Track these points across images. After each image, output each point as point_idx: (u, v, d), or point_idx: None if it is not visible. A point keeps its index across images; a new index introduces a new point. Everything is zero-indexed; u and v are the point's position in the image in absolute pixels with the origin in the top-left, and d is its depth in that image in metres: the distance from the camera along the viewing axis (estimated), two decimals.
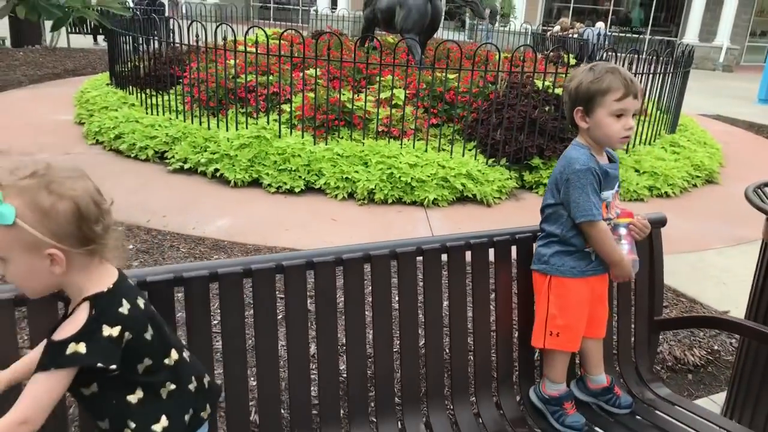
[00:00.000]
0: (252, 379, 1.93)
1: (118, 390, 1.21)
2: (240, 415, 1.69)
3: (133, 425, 1.21)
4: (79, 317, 1.14)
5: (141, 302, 1.24)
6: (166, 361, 1.26)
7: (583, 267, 1.90)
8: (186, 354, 1.34)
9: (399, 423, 1.88)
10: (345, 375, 1.83)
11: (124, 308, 1.19)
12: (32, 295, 1.20)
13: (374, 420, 1.87)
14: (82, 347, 1.12)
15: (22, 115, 7.27)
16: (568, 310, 1.90)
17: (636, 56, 6.54)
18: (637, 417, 1.95)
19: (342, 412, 1.82)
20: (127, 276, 1.28)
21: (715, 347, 3.12)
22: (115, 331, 1.15)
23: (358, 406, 1.83)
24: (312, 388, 1.79)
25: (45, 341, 1.16)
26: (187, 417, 1.29)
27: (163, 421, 1.24)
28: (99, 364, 1.13)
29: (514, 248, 2.01)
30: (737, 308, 3.34)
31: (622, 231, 1.90)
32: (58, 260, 1.13)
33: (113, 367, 1.14)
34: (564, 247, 1.90)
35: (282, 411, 1.80)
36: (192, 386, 1.31)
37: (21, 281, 1.16)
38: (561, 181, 1.85)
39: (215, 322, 1.66)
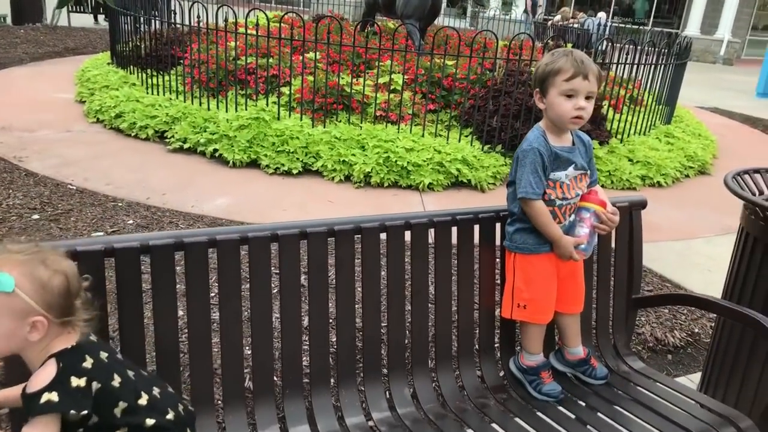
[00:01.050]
0: (247, 348, 2.03)
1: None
2: (234, 381, 1.78)
3: None
4: (48, 371, 1.27)
5: (104, 355, 1.36)
6: (140, 401, 1.37)
7: (543, 243, 1.98)
8: (157, 390, 1.43)
9: (386, 391, 1.98)
10: (335, 343, 1.92)
11: (88, 363, 1.31)
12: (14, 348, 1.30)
13: (362, 388, 1.97)
14: (54, 396, 1.24)
15: (24, 93, 7.31)
16: (533, 284, 1.99)
17: (633, 47, 6.59)
18: (613, 388, 2.05)
19: (332, 380, 1.92)
20: (89, 334, 1.38)
21: (696, 330, 3.22)
22: (83, 381, 1.27)
23: (347, 373, 1.93)
24: (303, 357, 1.88)
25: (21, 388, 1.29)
26: None
27: None
28: (72, 411, 1.25)
29: (498, 225, 2.10)
30: (720, 294, 3.44)
31: (584, 214, 1.98)
32: (40, 328, 1.25)
33: (85, 412, 1.26)
34: (523, 224, 2.00)
35: (275, 378, 1.89)
36: (170, 416, 1.42)
37: (5, 342, 1.27)
38: (514, 160, 1.98)
39: (213, 294, 1.75)
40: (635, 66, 6.51)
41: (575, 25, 14.88)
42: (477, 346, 2.15)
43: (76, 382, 1.27)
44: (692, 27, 21.94)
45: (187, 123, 5.66)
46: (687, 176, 6.33)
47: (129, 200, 4.38)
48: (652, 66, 6.78)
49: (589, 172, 2.01)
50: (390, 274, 1.95)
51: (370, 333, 1.94)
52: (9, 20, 13.08)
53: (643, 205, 2.26)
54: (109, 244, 1.57)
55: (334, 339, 1.91)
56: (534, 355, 2.05)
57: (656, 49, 6.83)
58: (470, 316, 2.10)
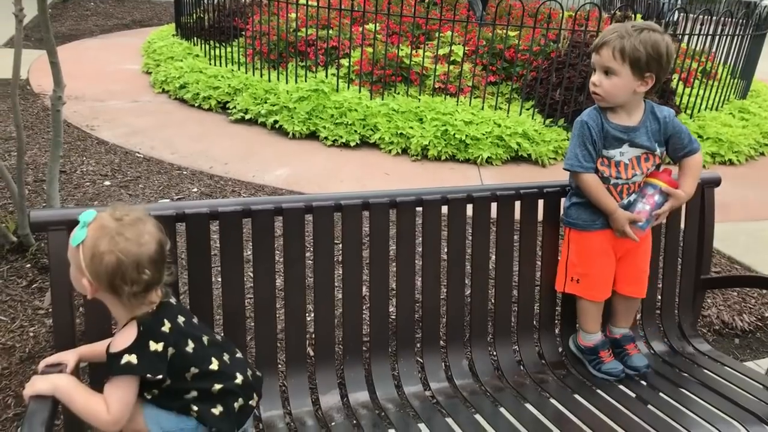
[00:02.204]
0: (309, 314, 2.08)
1: (176, 394, 1.41)
2: (297, 346, 1.83)
3: (195, 408, 1.42)
4: (129, 333, 1.34)
5: (181, 320, 1.42)
6: (212, 366, 1.43)
7: (595, 219, 1.93)
8: (227, 356, 1.49)
9: (444, 362, 2.00)
10: (394, 313, 1.95)
11: (166, 327, 1.37)
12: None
13: (420, 358, 1.99)
14: (134, 358, 1.31)
15: (94, 64, 7.58)
16: (587, 259, 1.95)
17: (708, 17, 6.25)
18: (676, 369, 2.01)
19: (390, 349, 1.95)
20: (170, 294, 1.45)
21: (766, 314, 3.09)
22: (160, 346, 1.34)
23: (405, 343, 1.95)
24: (363, 325, 1.91)
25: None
26: (236, 404, 1.46)
27: (219, 407, 1.43)
28: (148, 375, 1.33)
29: (563, 200, 2.06)
30: None
31: (648, 190, 1.90)
32: (90, 289, 1.33)
33: (160, 377, 1.34)
34: (578, 199, 1.95)
35: (336, 345, 1.94)
36: (238, 380, 1.47)
37: (72, 281, 1.38)
38: None
39: (278, 260, 1.80)
40: (709, 37, 6.18)
41: None
42: (536, 322, 2.13)
43: (154, 346, 1.34)
44: None
45: (248, 94, 5.75)
46: (762, 154, 6.01)
47: (193, 169, 4.51)
48: (728, 37, 6.42)
49: (659, 151, 1.91)
50: (450, 246, 1.95)
51: (429, 304, 1.95)
52: None
53: (716, 182, 2.17)
54: (180, 209, 1.63)
55: (393, 309, 1.94)
56: (591, 335, 2.02)
57: (733, 20, 6.45)
58: (531, 292, 2.08)
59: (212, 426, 1.43)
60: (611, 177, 1.89)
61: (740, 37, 6.65)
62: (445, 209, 1.91)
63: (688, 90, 6.13)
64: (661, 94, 5.81)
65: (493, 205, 1.98)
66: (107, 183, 4.08)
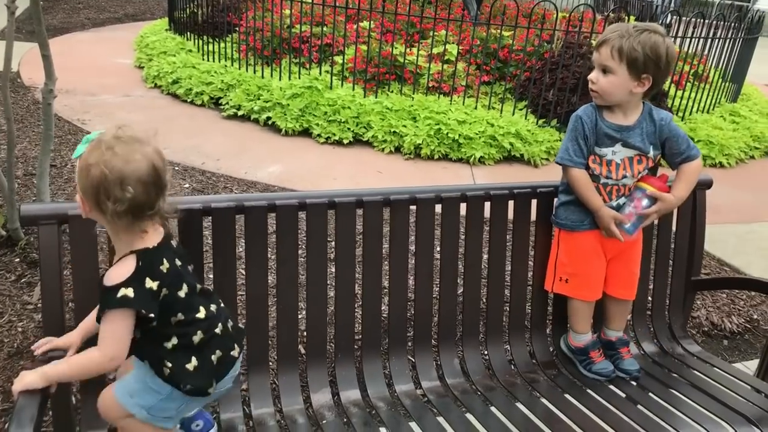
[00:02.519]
0: (300, 312, 2.07)
1: (156, 338, 1.38)
2: (288, 344, 1.82)
3: (169, 365, 1.39)
4: (127, 266, 1.31)
5: (178, 263, 1.40)
6: (198, 315, 1.42)
7: (584, 219, 1.94)
8: (213, 307, 1.47)
9: (435, 361, 2.00)
10: (387, 312, 1.94)
11: (164, 267, 1.35)
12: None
13: (412, 357, 1.99)
14: (130, 292, 1.29)
15: (86, 58, 7.52)
16: (576, 259, 1.96)
17: (701, 20, 6.29)
18: (666, 369, 2.02)
19: (382, 347, 1.95)
20: (172, 237, 1.44)
21: (755, 316, 3.12)
22: (155, 285, 1.32)
23: (397, 341, 1.95)
24: (355, 324, 1.91)
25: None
26: (214, 357, 1.44)
27: (194, 361, 1.41)
28: (142, 311, 1.30)
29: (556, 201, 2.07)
30: None
31: (637, 194, 1.90)
32: (83, 205, 1.32)
33: (152, 315, 1.31)
34: (567, 197, 1.96)
35: (328, 343, 1.93)
36: (218, 330, 1.46)
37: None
38: None
39: (270, 257, 1.79)
40: (701, 40, 6.22)
41: None
42: (528, 322, 2.14)
43: (150, 284, 1.31)
44: (764, 0, 20.73)
45: (241, 90, 5.73)
46: (752, 157, 6.06)
47: (184, 164, 4.48)
48: (719, 40, 6.46)
49: (652, 154, 1.90)
50: (444, 245, 1.95)
51: (422, 303, 1.95)
52: None
53: (708, 184, 2.19)
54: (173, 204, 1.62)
55: (386, 308, 1.93)
56: (581, 335, 2.03)
57: (725, 23, 6.50)
58: (523, 291, 2.09)
59: (186, 384, 1.40)
60: (601, 176, 1.89)
61: (732, 40, 6.69)
62: (438, 208, 1.92)
63: (679, 93, 6.17)
64: (654, 96, 5.83)
65: (487, 205, 1.98)
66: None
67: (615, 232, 1.89)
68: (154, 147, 1.33)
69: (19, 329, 2.42)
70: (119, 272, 1.30)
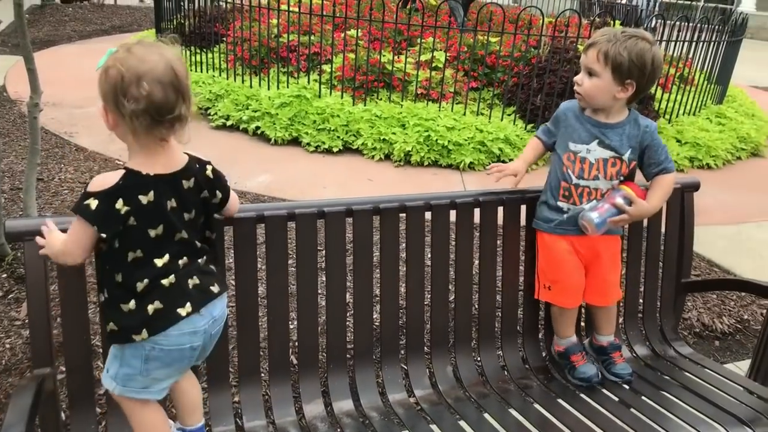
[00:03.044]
0: (292, 322, 2.06)
1: (111, 266, 1.36)
2: (280, 354, 1.81)
3: (107, 296, 1.38)
4: (110, 179, 1.30)
5: (172, 203, 1.35)
6: (156, 260, 1.36)
7: (554, 220, 1.94)
8: (183, 261, 1.40)
9: (428, 368, 1.99)
10: (378, 320, 1.94)
11: (147, 198, 1.32)
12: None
13: (405, 365, 1.98)
14: (94, 204, 1.28)
15: (73, 70, 7.49)
16: (555, 265, 1.96)
17: (686, 23, 6.35)
18: (658, 372, 2.02)
19: (374, 356, 1.94)
20: (193, 175, 1.39)
21: (745, 316, 3.14)
22: (124, 209, 1.29)
23: (389, 350, 1.94)
24: (347, 333, 1.90)
25: None
26: (151, 307, 1.35)
27: (131, 304, 1.35)
28: (94, 227, 1.28)
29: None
30: None
31: (613, 192, 1.88)
32: (104, 117, 1.32)
33: (103, 236, 1.30)
34: (543, 195, 2.00)
35: (320, 353, 1.92)
36: (166, 281, 1.37)
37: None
38: None
39: (260, 267, 1.78)
40: (686, 43, 6.28)
41: (623, 2, 14.40)
42: (520, 327, 2.14)
43: (119, 205, 1.29)
44: (747, 2, 20.97)
45: (229, 100, 5.72)
46: (739, 158, 6.11)
47: None
48: (704, 44, 6.52)
49: (627, 157, 1.88)
50: (434, 252, 1.95)
51: (413, 311, 1.95)
52: None
53: (695, 186, 2.20)
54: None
55: (377, 316, 1.93)
56: (562, 339, 2.02)
57: (710, 26, 6.56)
58: (514, 297, 2.09)
59: (115, 322, 1.37)
60: (574, 175, 1.89)
61: (716, 43, 6.76)
62: (428, 215, 1.91)
63: (666, 95, 6.22)
64: (640, 100, 5.87)
65: (476, 211, 1.98)
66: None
67: (584, 225, 1.88)
68: (174, 51, 1.32)
69: (7, 345, 2.39)
70: (100, 181, 1.30)
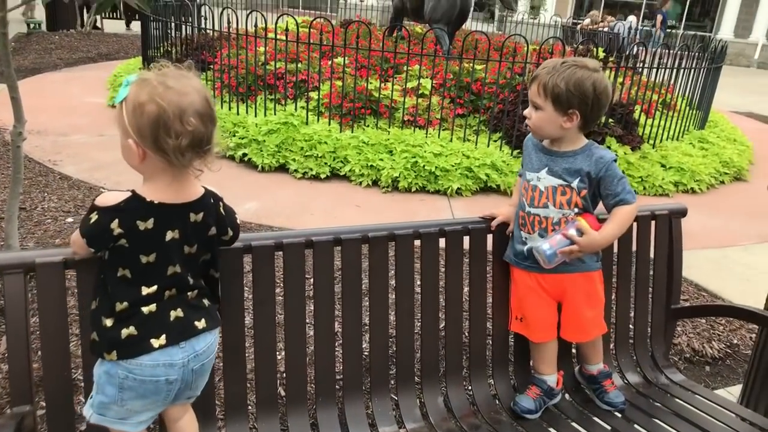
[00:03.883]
0: (279, 353, 2.02)
1: (104, 275, 1.35)
2: (267, 387, 1.77)
3: (95, 306, 1.36)
4: (115, 197, 1.30)
5: (172, 235, 1.33)
6: (144, 288, 1.33)
7: (519, 252, 1.93)
8: (170, 293, 1.37)
9: (419, 399, 1.96)
10: (368, 351, 1.90)
11: (144, 225, 1.30)
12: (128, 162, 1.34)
13: (395, 396, 1.94)
14: (93, 218, 1.29)
15: (58, 98, 7.47)
16: (523, 300, 1.96)
17: (666, 50, 6.48)
18: (650, 399, 2.00)
19: (364, 387, 1.90)
20: (207, 204, 1.38)
21: (735, 341, 3.13)
22: (116, 232, 1.28)
23: (379, 381, 1.90)
24: (336, 364, 1.87)
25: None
26: (125, 331, 1.32)
27: (110, 323, 1.33)
28: (84, 239, 1.31)
29: None
30: (760, 304, 3.34)
31: (568, 225, 1.83)
32: (135, 150, 1.27)
33: (92, 250, 1.33)
34: (513, 226, 1.99)
35: (308, 385, 1.88)
36: (146, 310, 1.34)
37: (121, 151, 1.32)
38: None
39: (247, 297, 1.75)
40: (668, 70, 6.39)
41: (605, 29, 14.70)
42: (511, 355, 2.11)
43: (113, 226, 1.28)
44: (725, 30, 21.50)
45: (216, 127, 5.71)
46: (722, 182, 6.19)
47: None
48: (687, 70, 6.65)
49: (576, 185, 1.83)
50: (424, 281, 1.93)
51: (403, 340, 1.92)
52: (44, 26, 13.39)
53: (683, 213, 2.21)
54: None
55: (366, 345, 1.89)
56: (543, 376, 1.98)
57: (690, 53, 6.70)
58: (504, 325, 2.07)
59: (97, 334, 1.35)
60: (527, 203, 1.89)
61: (698, 70, 6.89)
62: (417, 243, 1.90)
63: (650, 121, 6.31)
64: (625, 125, 5.96)
65: (466, 239, 1.97)
66: (70, 220, 3.97)
67: (538, 257, 1.86)
68: (198, 79, 1.31)
69: None
70: (106, 198, 1.30)
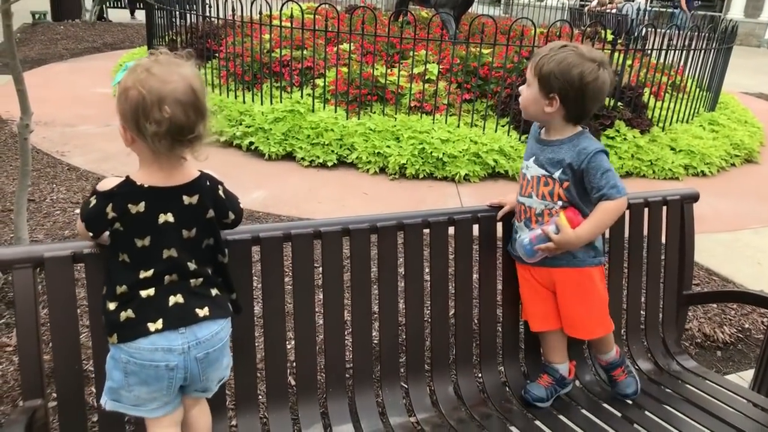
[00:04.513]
0: (288, 343, 2.02)
1: (109, 259, 1.38)
2: (278, 377, 1.77)
3: (104, 290, 1.39)
4: (111, 183, 1.35)
5: (166, 218, 1.35)
6: (142, 270, 1.35)
7: (511, 244, 1.93)
8: (171, 278, 1.37)
9: (429, 387, 1.95)
10: (378, 340, 1.90)
11: (136, 208, 1.33)
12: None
13: (405, 384, 1.94)
14: (92, 202, 1.34)
15: (64, 88, 7.47)
16: (520, 288, 1.97)
17: (677, 32, 6.39)
18: (662, 386, 1.99)
19: (374, 375, 1.90)
20: (202, 186, 1.39)
21: (746, 325, 3.11)
22: (110, 215, 1.33)
23: (390, 370, 1.90)
24: (346, 353, 1.87)
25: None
26: (123, 314, 1.34)
27: (112, 305, 1.35)
28: (81, 221, 1.37)
29: None
30: None
31: (551, 220, 1.78)
32: (123, 134, 1.33)
33: (91, 234, 1.36)
34: None
35: (318, 374, 1.88)
36: (145, 294, 1.35)
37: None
38: None
39: (256, 286, 1.75)
40: (678, 52, 6.30)
41: (613, 11, 14.52)
42: (522, 343, 2.10)
43: (108, 210, 1.32)
44: (735, 10, 21.19)
45: (222, 116, 5.70)
46: (733, 165, 6.12)
47: None
48: (697, 51, 6.55)
49: (558, 176, 1.76)
50: (433, 270, 1.92)
51: (413, 330, 1.91)
52: (49, 17, 13.37)
53: (695, 198, 2.18)
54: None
55: (376, 333, 1.89)
56: (555, 365, 1.96)
57: (701, 34, 6.60)
58: (515, 312, 2.06)
59: (104, 318, 1.37)
60: (519, 192, 1.89)
61: (709, 51, 6.79)
62: (426, 231, 1.89)
63: (659, 104, 6.23)
64: (634, 108, 5.90)
65: (475, 227, 1.95)
66: (78, 211, 3.98)
67: (519, 251, 1.86)
68: (191, 69, 1.32)
69: None
70: (104, 183, 1.36)
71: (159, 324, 1.35)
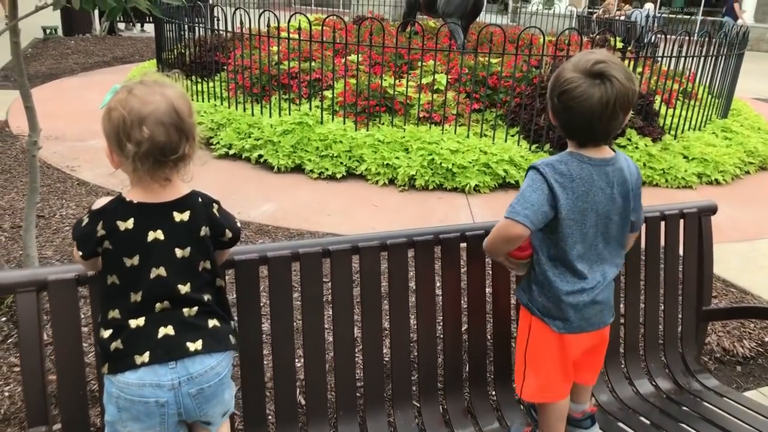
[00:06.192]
0: (298, 361, 1.98)
1: (101, 282, 1.35)
2: (287, 397, 1.73)
3: (99, 321, 1.36)
4: (104, 201, 1.34)
5: (153, 235, 1.31)
6: (132, 294, 1.31)
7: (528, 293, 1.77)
8: (162, 305, 1.32)
9: (441, 406, 1.91)
10: (388, 359, 1.86)
11: (125, 225, 1.31)
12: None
13: (416, 404, 1.90)
14: (85, 221, 1.33)
15: (75, 103, 7.50)
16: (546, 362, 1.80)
17: (687, 38, 6.33)
18: (681, 406, 1.93)
19: (385, 394, 1.86)
20: (193, 203, 1.36)
21: (766, 339, 3.04)
22: (100, 233, 1.31)
23: (402, 391, 1.86)
24: (357, 372, 1.82)
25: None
26: (113, 345, 1.30)
27: (106, 333, 1.32)
28: (74, 240, 1.34)
29: None
30: None
31: None
32: (108, 155, 1.32)
33: (80, 254, 1.33)
34: None
35: (329, 394, 1.84)
36: (134, 324, 1.30)
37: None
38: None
39: (263, 305, 1.71)
40: (689, 58, 6.24)
41: (621, 18, 14.46)
42: None
43: (98, 228, 1.30)
44: (745, 15, 21.05)
45: (231, 129, 5.70)
46: (747, 173, 6.03)
47: None
48: (709, 57, 6.48)
49: None
50: (445, 286, 1.88)
51: (425, 349, 1.87)
52: (60, 32, 13.50)
53: (712, 210, 2.13)
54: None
55: (387, 350, 1.85)
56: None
57: (712, 40, 6.53)
58: None
59: (101, 347, 1.33)
60: None
61: (721, 57, 6.72)
62: (438, 249, 1.85)
63: (670, 111, 6.17)
64: (645, 116, 5.83)
65: None
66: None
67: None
68: (177, 89, 1.31)
69: (6, 394, 2.31)
70: (97, 202, 1.34)
71: (146, 357, 1.29)
